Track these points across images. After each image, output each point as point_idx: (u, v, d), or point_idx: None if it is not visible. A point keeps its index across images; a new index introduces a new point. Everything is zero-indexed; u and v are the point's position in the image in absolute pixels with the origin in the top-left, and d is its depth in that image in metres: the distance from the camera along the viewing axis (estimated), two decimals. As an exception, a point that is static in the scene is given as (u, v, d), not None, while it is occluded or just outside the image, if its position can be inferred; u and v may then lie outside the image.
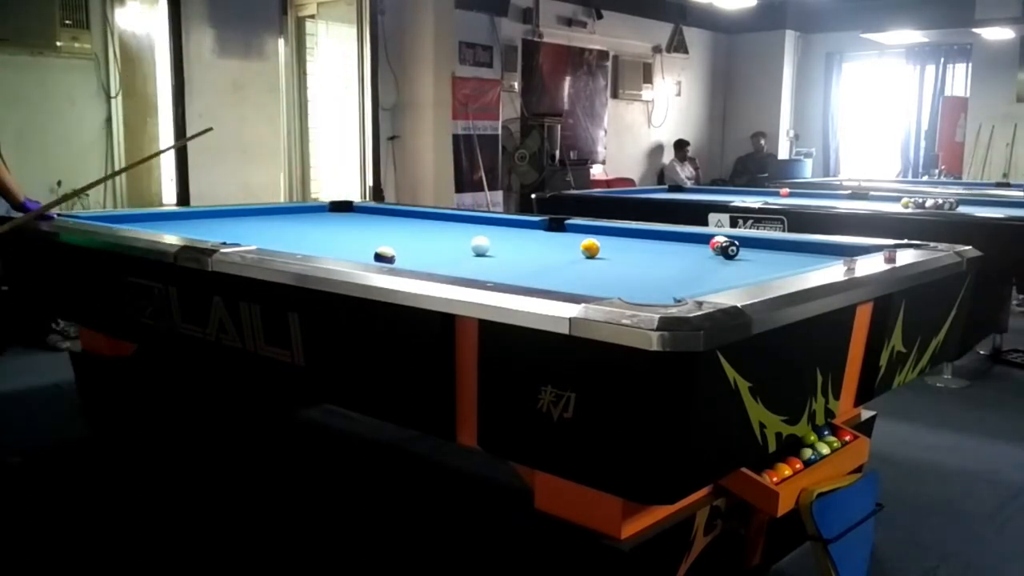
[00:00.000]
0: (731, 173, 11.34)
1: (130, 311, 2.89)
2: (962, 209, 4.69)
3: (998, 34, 9.13)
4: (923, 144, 10.99)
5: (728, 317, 1.65)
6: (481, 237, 2.82)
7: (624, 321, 1.60)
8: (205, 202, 5.53)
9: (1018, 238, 4.06)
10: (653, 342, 1.55)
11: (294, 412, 3.82)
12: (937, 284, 2.49)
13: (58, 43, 5.43)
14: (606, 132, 10.11)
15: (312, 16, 6.90)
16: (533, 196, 5.88)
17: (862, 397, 2.39)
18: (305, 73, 7.04)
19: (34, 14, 5.34)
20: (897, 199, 5.13)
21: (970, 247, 2.71)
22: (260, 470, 3.33)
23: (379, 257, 2.48)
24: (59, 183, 5.46)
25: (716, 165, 11.70)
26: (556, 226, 3.53)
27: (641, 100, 10.57)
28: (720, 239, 2.78)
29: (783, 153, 11.53)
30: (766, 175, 10.49)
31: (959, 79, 10.78)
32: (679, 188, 7.11)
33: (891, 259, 2.37)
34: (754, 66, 11.58)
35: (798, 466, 2.13)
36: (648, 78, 10.53)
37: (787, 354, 1.92)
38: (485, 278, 2.00)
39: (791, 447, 2.13)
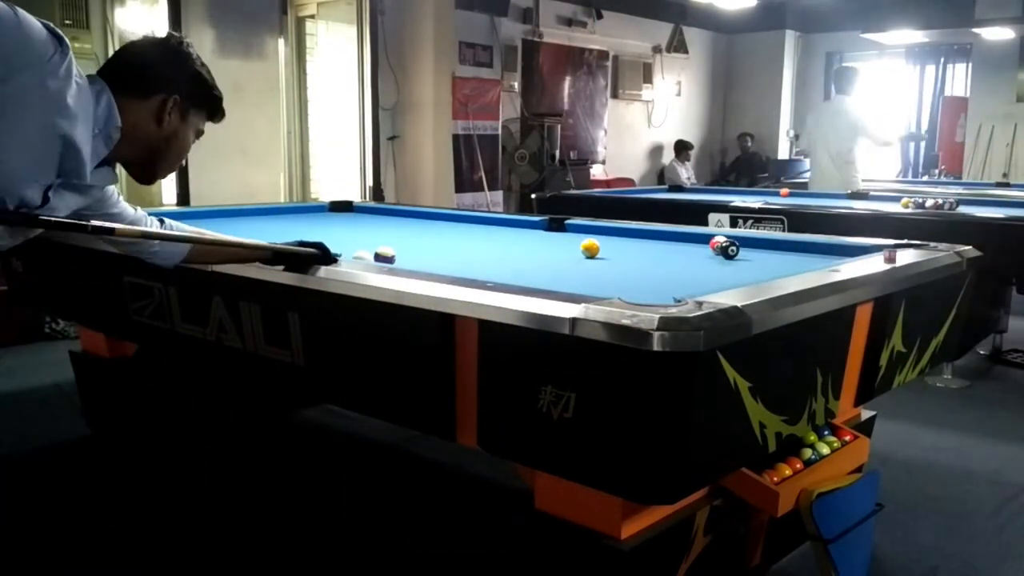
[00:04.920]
0: (721, 173, 11.33)
1: (130, 311, 2.89)
2: (962, 209, 4.69)
3: (998, 34, 9.12)
4: (923, 144, 10.99)
5: (728, 317, 1.65)
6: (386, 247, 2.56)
7: (624, 321, 1.60)
8: (205, 202, 5.52)
9: (1018, 238, 4.06)
10: (653, 342, 1.55)
11: (294, 412, 3.82)
12: (937, 284, 2.49)
13: (58, 43, 5.42)
14: (606, 132, 10.11)
15: (312, 16, 6.90)
16: (533, 196, 5.88)
17: (862, 397, 2.38)
18: (305, 73, 7.04)
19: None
20: (897, 199, 5.13)
21: (970, 247, 2.71)
22: (260, 470, 3.32)
23: (379, 257, 2.47)
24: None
25: (716, 165, 11.70)
26: (556, 226, 3.52)
27: (641, 100, 10.57)
28: (720, 239, 2.78)
29: (783, 153, 11.52)
30: (766, 175, 10.49)
31: (959, 79, 10.78)
32: (679, 188, 7.10)
33: (891, 259, 2.37)
34: (754, 66, 11.58)
35: (798, 466, 2.12)
36: (648, 78, 10.53)
37: (787, 354, 1.92)
38: (485, 278, 2.00)
39: (791, 447, 2.13)
